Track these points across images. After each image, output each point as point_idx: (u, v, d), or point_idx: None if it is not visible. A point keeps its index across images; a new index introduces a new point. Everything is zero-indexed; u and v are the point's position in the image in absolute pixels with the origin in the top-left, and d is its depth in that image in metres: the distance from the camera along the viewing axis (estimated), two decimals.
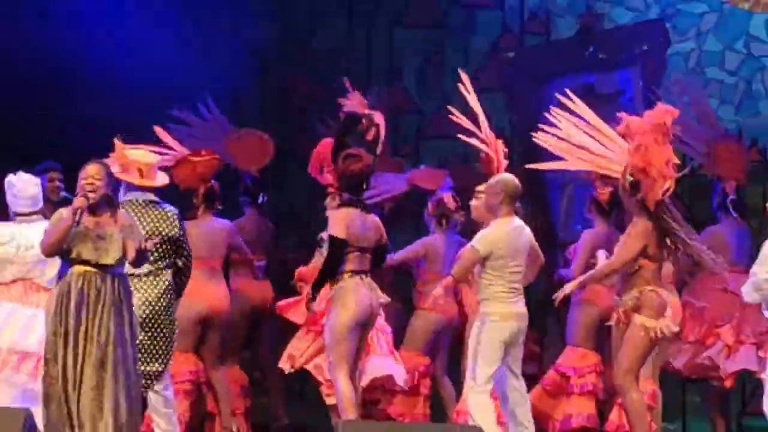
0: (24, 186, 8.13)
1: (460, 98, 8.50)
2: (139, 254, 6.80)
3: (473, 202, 8.35)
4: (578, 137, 8.05)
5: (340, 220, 7.89)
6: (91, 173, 6.86)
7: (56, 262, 7.31)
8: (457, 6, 11.79)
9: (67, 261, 6.90)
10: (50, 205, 8.44)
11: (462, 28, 11.68)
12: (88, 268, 6.84)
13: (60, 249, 6.89)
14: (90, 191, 6.82)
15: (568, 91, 8.08)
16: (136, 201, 7.62)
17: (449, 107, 8.50)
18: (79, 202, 6.78)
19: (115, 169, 7.31)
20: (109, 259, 6.81)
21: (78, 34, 10.71)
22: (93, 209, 6.82)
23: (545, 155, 8.23)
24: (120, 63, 10.79)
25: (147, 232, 7.45)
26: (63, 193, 9.09)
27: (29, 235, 7.99)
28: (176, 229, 7.58)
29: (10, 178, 8.10)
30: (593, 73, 11.24)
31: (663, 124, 7.42)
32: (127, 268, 7.03)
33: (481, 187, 8.07)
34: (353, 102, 8.80)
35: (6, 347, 8.10)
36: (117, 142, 7.61)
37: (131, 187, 7.74)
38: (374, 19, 11.92)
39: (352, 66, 11.29)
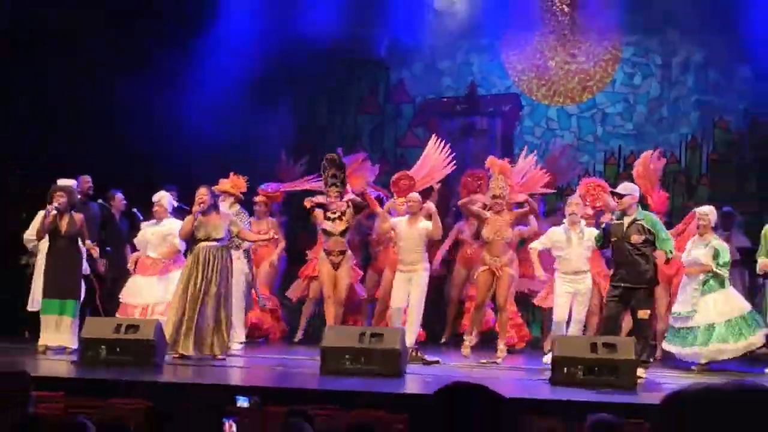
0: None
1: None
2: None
3: None
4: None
5: None
6: (201, 193, 10.75)
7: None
8: (390, 103, 15.27)
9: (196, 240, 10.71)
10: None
11: (394, 114, 15.25)
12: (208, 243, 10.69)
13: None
14: (201, 203, 10.65)
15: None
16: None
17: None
18: (195, 209, 10.56)
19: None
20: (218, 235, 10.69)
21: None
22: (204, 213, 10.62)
23: None
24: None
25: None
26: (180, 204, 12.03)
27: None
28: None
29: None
30: (475, 117, 14.81)
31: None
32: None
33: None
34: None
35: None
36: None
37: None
38: (346, 108, 15.38)
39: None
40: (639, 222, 10.32)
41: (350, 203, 11.79)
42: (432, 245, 12.10)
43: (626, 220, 10.39)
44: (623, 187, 10.63)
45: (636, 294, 10.27)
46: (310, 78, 14.98)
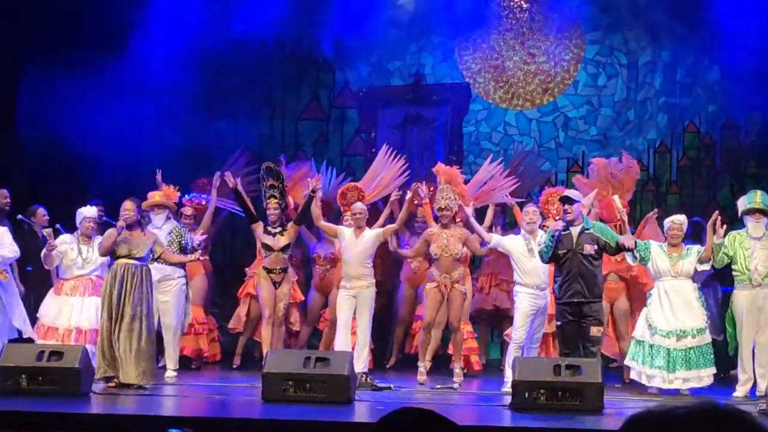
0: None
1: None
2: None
3: None
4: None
5: None
6: (126, 207, 10.56)
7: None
8: (335, 107, 15.20)
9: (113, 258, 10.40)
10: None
11: (339, 118, 15.17)
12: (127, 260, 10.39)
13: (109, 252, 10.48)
14: (126, 218, 10.47)
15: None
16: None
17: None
18: (120, 223, 10.39)
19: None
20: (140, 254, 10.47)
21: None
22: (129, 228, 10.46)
23: None
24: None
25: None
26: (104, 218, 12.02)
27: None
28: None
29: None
30: (422, 107, 14.89)
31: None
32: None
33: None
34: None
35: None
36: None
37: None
38: (289, 114, 15.24)
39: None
40: (589, 231, 10.40)
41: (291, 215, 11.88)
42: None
43: (574, 230, 10.46)
44: (571, 193, 10.80)
45: (591, 308, 10.33)
46: (250, 82, 14.98)
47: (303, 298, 13.00)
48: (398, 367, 12.99)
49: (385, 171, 13.01)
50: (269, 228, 11.76)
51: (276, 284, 11.75)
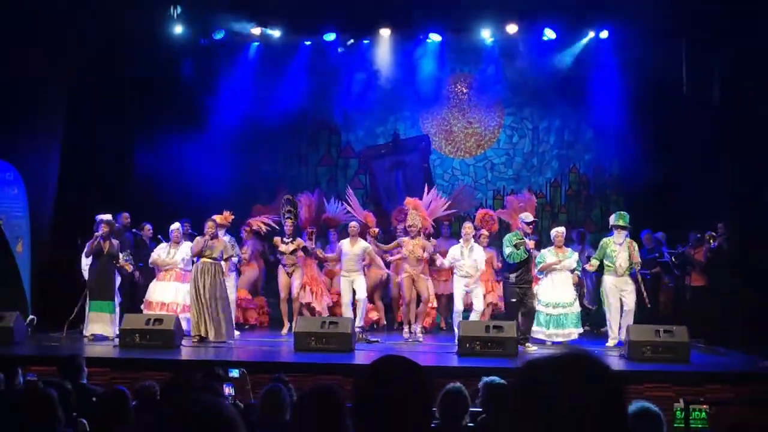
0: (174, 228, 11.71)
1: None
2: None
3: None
4: None
5: None
6: (209, 225, 10.88)
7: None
8: (342, 157, 15.11)
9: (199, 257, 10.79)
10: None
11: (344, 165, 15.12)
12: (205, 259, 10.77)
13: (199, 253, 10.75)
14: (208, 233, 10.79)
15: None
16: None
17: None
18: (205, 237, 10.78)
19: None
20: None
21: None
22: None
23: None
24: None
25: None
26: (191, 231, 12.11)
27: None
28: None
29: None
30: (402, 154, 14.91)
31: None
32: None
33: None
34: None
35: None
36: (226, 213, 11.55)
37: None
38: (310, 161, 15.16)
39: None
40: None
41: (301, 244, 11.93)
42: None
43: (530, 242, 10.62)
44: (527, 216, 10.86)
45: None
46: (286, 138, 14.90)
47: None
48: (385, 329, 12.86)
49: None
50: (284, 239, 11.90)
51: (289, 275, 11.89)
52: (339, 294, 11.88)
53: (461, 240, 11.31)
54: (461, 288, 11.16)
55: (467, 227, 11.33)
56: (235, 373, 6.64)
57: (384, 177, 14.85)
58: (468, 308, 11.28)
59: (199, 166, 13.25)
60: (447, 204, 13.04)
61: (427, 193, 12.97)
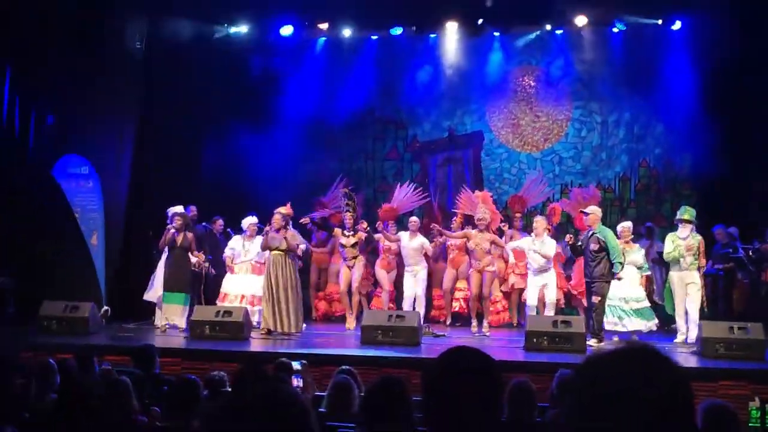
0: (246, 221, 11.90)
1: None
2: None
3: None
4: None
5: None
6: (279, 219, 10.78)
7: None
8: (408, 151, 15.06)
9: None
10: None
11: (411, 159, 15.04)
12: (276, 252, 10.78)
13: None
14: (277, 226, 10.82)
15: None
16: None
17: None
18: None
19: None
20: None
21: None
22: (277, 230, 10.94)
23: None
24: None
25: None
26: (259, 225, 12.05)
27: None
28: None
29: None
30: (456, 150, 14.88)
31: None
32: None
33: None
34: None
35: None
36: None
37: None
38: (377, 156, 15.24)
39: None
40: (596, 234, 10.26)
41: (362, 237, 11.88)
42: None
43: (589, 233, 10.38)
44: (590, 209, 10.66)
45: (592, 285, 10.19)
46: (352, 133, 14.95)
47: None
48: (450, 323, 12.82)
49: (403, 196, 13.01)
50: (345, 232, 11.86)
51: (350, 268, 11.82)
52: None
53: (533, 234, 11.22)
54: (535, 283, 11.08)
55: (539, 221, 11.25)
56: (296, 365, 6.68)
57: (436, 172, 14.83)
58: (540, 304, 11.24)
59: (265, 161, 13.30)
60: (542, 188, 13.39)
61: (466, 191, 12.84)
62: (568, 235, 10.69)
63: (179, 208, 11.26)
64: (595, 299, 10.09)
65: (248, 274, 11.64)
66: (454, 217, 12.46)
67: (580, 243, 10.42)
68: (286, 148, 13.73)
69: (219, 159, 13.25)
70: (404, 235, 11.76)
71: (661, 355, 1.72)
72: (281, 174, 13.54)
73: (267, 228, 10.75)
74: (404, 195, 12.84)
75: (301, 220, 11.69)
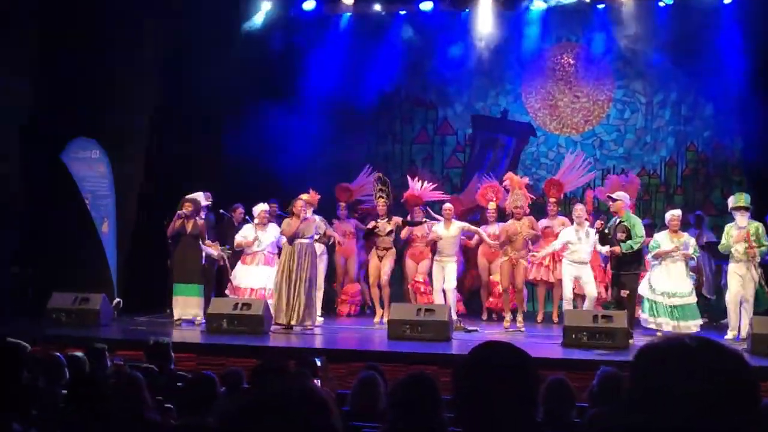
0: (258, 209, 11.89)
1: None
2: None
3: None
4: None
5: None
6: (299, 204, 10.91)
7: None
8: (439, 134, 15.15)
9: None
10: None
11: (441, 142, 15.17)
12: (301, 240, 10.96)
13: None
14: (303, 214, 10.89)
15: None
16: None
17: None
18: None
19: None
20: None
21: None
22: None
23: None
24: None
25: None
26: (278, 212, 12.46)
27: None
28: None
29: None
30: (502, 133, 14.95)
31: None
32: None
33: None
34: None
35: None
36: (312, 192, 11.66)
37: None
38: (406, 139, 15.26)
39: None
40: (623, 223, 10.24)
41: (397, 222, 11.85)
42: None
43: (615, 221, 10.35)
44: (617, 194, 10.58)
45: (621, 278, 10.19)
46: (378, 114, 14.97)
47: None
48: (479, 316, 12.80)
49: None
50: (378, 220, 11.80)
51: (380, 258, 11.79)
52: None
53: (575, 223, 11.18)
54: (571, 274, 11.03)
55: (579, 210, 11.21)
56: (317, 361, 6.70)
57: (476, 151, 14.91)
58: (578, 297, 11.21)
59: (288, 145, 13.33)
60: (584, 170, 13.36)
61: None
62: (598, 221, 10.63)
63: (198, 195, 11.37)
64: (624, 293, 10.06)
65: (260, 265, 11.68)
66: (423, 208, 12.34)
67: (606, 231, 10.35)
68: (310, 131, 13.74)
69: (239, 143, 13.32)
70: (439, 226, 11.68)
71: (725, 348, 1.70)
72: (305, 158, 13.58)
73: (291, 218, 10.72)
74: (421, 188, 12.77)
75: (371, 226, 11.81)
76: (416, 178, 12.86)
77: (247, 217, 12.35)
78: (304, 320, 10.56)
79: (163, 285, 11.71)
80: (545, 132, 14.91)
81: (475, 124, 15.08)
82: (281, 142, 13.33)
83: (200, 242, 11.16)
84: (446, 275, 11.47)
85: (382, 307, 11.81)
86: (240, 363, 7.51)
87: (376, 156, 14.80)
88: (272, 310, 10.59)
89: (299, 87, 13.93)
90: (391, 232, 11.76)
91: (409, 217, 12.09)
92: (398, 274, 12.43)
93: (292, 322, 10.56)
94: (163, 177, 12.77)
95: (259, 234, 11.67)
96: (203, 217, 11.47)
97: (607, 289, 11.48)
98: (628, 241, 10.08)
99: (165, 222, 11.53)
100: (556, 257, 12.13)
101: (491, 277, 12.47)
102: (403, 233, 12.03)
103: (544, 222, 12.37)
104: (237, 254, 11.95)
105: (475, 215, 13.40)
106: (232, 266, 11.89)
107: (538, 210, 12.79)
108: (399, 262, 12.26)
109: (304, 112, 13.79)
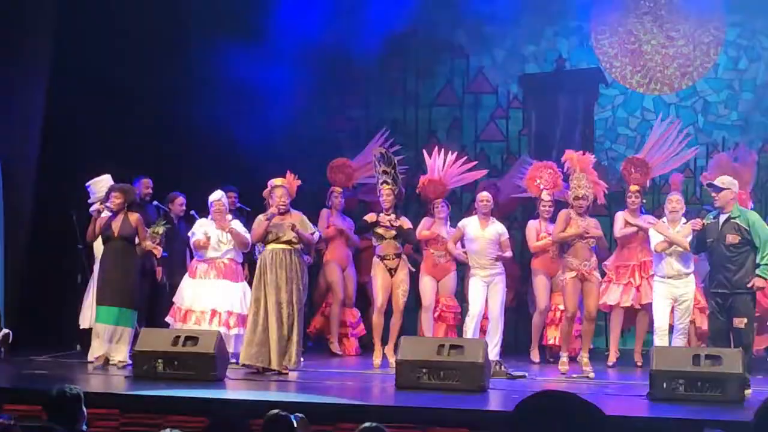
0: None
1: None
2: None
3: None
4: None
5: None
6: (282, 194, 10.67)
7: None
8: (471, 92, 15.12)
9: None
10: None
11: (474, 104, 15.12)
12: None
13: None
14: (282, 206, 10.64)
15: None
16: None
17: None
18: (273, 210, 10.58)
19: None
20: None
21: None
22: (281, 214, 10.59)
23: None
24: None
25: None
26: (238, 204, 12.63)
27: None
28: None
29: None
30: (563, 91, 14.83)
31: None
32: None
33: None
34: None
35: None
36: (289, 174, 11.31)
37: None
38: (419, 101, 15.28)
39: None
40: (734, 220, 10.14)
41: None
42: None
43: (722, 218, 10.25)
44: (721, 180, 10.47)
45: (735, 300, 10.03)
46: (384, 67, 15.03)
47: None
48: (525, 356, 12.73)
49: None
50: (382, 215, 11.70)
51: (392, 271, 11.71)
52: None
53: (665, 219, 11.26)
54: (665, 295, 11.03)
55: (675, 201, 11.24)
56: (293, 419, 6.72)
57: (533, 123, 15.02)
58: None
59: (254, 107, 13.40)
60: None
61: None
62: (696, 220, 10.54)
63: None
64: (739, 322, 10.00)
65: (218, 279, 11.67)
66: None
67: (710, 238, 10.26)
68: (286, 89, 13.70)
69: (179, 105, 13.34)
70: (471, 222, 11.72)
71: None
72: (277, 128, 13.62)
73: (269, 211, 10.76)
74: (446, 164, 12.72)
75: (380, 220, 11.65)
76: (438, 153, 12.79)
77: (193, 212, 12.34)
78: (290, 361, 10.63)
79: (72, 310, 11.70)
80: (624, 90, 14.84)
81: (524, 80, 15.14)
82: (244, 103, 13.39)
83: (137, 246, 11.19)
84: (492, 298, 11.51)
85: (385, 342, 11.83)
86: (183, 424, 7.46)
87: (380, 124, 14.77)
88: (242, 346, 10.72)
89: (272, 25, 13.83)
90: (398, 235, 11.69)
91: (424, 221, 12.11)
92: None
93: (273, 365, 10.56)
94: (68, 156, 12.80)
95: (217, 234, 11.69)
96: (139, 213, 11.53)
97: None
98: (764, 255, 9.95)
99: (74, 218, 11.55)
100: (641, 271, 12.08)
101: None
102: (423, 232, 12.08)
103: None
104: (177, 264, 11.91)
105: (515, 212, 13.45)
106: (171, 280, 11.90)
107: (616, 201, 12.83)
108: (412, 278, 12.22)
109: (278, 60, 13.69)
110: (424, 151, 13.17)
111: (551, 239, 11.56)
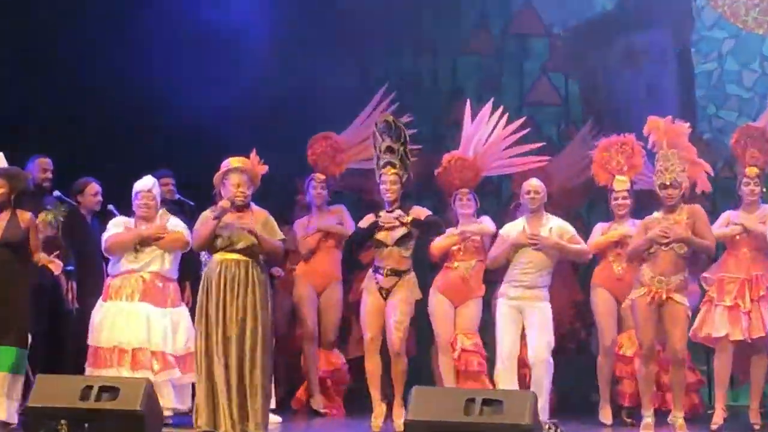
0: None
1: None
2: None
3: None
4: None
5: None
6: (240, 182, 10.54)
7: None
8: (513, 34, 15.48)
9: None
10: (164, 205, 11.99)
11: (518, 52, 15.48)
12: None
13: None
14: (240, 197, 10.51)
15: None
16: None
17: None
18: (225, 204, 10.41)
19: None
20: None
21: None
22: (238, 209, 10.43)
23: None
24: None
25: None
26: (177, 195, 12.95)
27: None
28: None
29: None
30: (639, 34, 15.28)
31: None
32: None
33: None
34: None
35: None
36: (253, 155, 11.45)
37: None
38: (438, 48, 15.62)
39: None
40: None
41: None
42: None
43: None
44: None
45: None
46: (388, 7, 15.04)
47: None
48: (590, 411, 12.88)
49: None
50: (382, 212, 11.63)
51: (383, 292, 11.62)
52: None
53: None
54: None
55: None
56: None
57: (608, 79, 15.07)
58: None
59: (200, 61, 13.81)
60: None
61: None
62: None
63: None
64: None
65: (134, 302, 11.75)
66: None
67: None
68: (247, 33, 14.07)
69: (102, 66, 13.76)
70: (517, 228, 11.77)
71: None
72: (235, 88, 13.84)
73: (219, 204, 10.64)
74: (485, 128, 12.78)
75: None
76: (469, 121, 12.88)
77: (111, 207, 12.37)
78: (257, 425, 10.57)
79: None
80: (735, 30, 14.97)
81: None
82: (190, 55, 13.85)
83: (30, 255, 11.17)
84: (531, 330, 11.54)
85: (387, 397, 11.90)
86: None
87: (385, 77, 14.98)
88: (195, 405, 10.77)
89: None
90: (405, 237, 11.58)
91: (464, 225, 12.19)
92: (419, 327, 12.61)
93: (226, 427, 10.51)
94: None
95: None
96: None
97: None
98: None
99: None
100: (752, 290, 12.03)
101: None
102: (445, 241, 12.18)
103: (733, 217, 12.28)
104: (90, 282, 12.06)
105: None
106: (83, 303, 12.03)
107: (723, 191, 13.09)
108: (421, 303, 12.25)
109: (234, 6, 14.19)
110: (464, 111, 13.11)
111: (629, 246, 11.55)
